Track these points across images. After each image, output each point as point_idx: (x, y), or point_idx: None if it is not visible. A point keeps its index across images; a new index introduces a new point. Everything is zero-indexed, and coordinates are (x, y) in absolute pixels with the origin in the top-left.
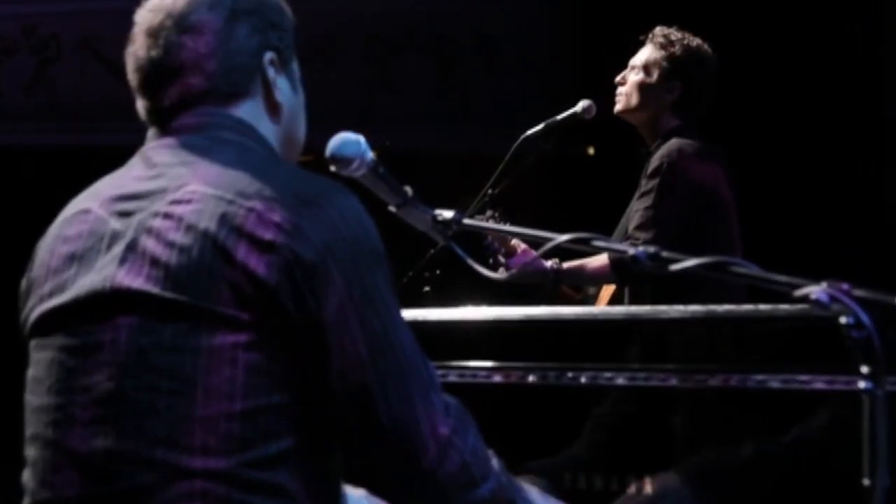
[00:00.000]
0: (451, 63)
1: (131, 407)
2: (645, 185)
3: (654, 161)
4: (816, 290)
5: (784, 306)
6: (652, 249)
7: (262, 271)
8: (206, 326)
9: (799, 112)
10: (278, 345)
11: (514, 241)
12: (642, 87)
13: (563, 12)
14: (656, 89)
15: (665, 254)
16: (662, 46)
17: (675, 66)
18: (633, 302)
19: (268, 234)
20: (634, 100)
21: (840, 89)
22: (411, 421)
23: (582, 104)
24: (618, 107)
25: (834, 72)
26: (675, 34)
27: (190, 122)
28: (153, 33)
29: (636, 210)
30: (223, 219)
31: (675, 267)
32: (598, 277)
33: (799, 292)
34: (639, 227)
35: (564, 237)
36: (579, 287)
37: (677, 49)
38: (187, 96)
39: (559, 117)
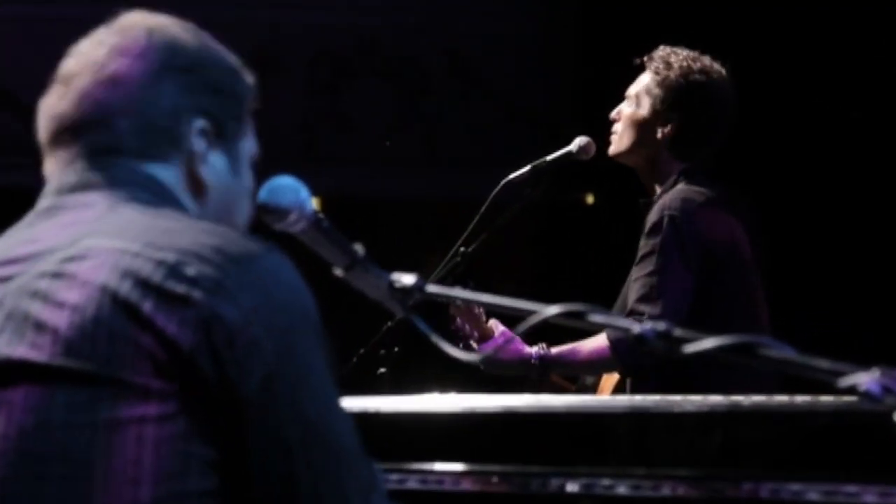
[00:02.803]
0: (415, 89)
1: (13, 502)
2: (644, 245)
3: (653, 215)
4: (866, 379)
5: (826, 398)
6: (662, 326)
7: (174, 330)
8: (107, 397)
9: (841, 153)
10: (195, 419)
11: (492, 322)
12: (633, 123)
13: (556, 29)
14: (649, 124)
15: (678, 332)
16: (657, 70)
17: (669, 94)
18: (636, 391)
19: (181, 288)
20: (626, 139)
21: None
22: None
23: (578, 142)
24: (611, 148)
25: (883, 102)
26: (676, 55)
27: (91, 178)
28: (67, 81)
29: (635, 278)
30: (127, 272)
31: (690, 349)
32: (595, 364)
33: (844, 381)
34: (641, 300)
35: (553, 310)
36: (574, 377)
37: (673, 73)
38: (89, 152)
39: (549, 158)
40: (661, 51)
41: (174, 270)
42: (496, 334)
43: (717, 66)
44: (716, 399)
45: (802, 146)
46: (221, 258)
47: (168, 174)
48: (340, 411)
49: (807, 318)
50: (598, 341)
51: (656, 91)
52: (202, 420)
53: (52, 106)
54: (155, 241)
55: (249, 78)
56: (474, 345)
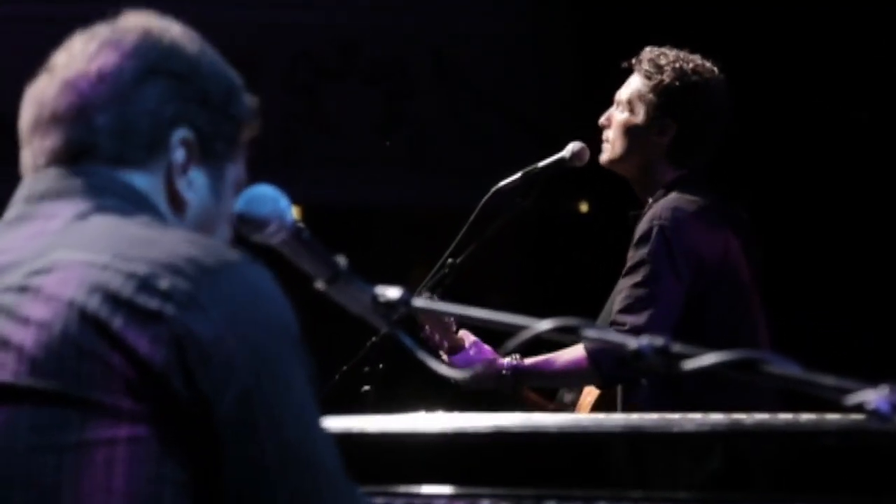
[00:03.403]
0: (401, 93)
1: None
2: (631, 256)
3: (643, 225)
4: (874, 397)
5: (831, 417)
6: (660, 342)
7: (145, 348)
8: (75, 418)
9: (842, 153)
10: (168, 441)
11: (462, 333)
12: (627, 130)
13: (548, 28)
14: (644, 131)
15: (676, 348)
16: (649, 74)
17: (664, 99)
18: (627, 401)
19: (153, 303)
20: (619, 146)
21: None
22: None
23: (571, 147)
24: (603, 156)
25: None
26: (665, 56)
27: (62, 186)
28: (53, 71)
29: (620, 289)
30: (95, 286)
31: (689, 365)
32: (571, 376)
33: (851, 399)
34: (624, 311)
35: (545, 325)
36: (552, 392)
37: (667, 76)
38: (65, 151)
39: (541, 164)
40: (650, 52)
41: (145, 283)
42: (467, 345)
43: (708, 64)
44: (716, 418)
45: (802, 146)
46: (195, 269)
47: (146, 182)
48: (322, 431)
49: (807, 318)
50: (575, 352)
51: (650, 96)
52: (175, 441)
53: (36, 92)
54: (124, 252)
55: (250, 101)
56: (443, 356)
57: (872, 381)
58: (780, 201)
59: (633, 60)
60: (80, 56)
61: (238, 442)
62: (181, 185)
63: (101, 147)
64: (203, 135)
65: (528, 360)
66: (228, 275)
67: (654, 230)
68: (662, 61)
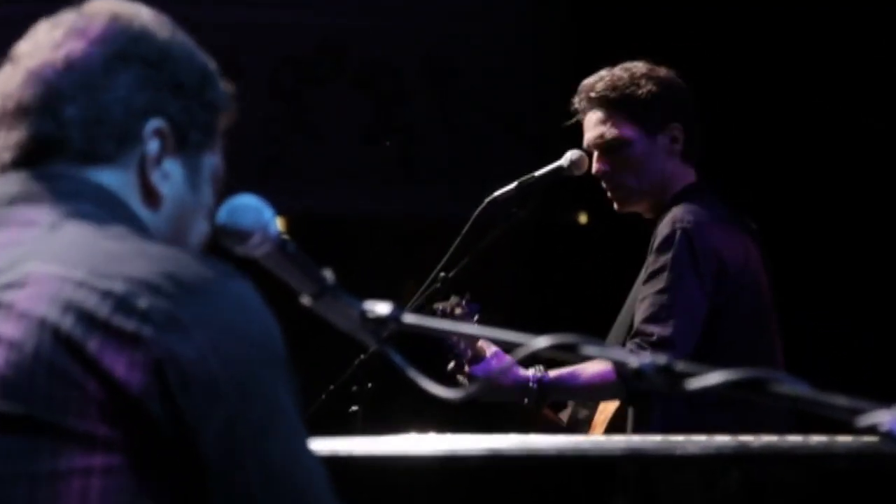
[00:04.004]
0: (391, 98)
1: None
2: (653, 261)
3: (664, 228)
4: (889, 418)
5: (843, 439)
6: (662, 360)
7: (122, 372)
8: (48, 446)
9: (845, 159)
10: (146, 471)
11: (482, 342)
12: (634, 165)
13: (545, 31)
14: (652, 153)
15: (680, 366)
16: (607, 101)
17: (647, 110)
18: (639, 424)
19: (131, 325)
20: (637, 185)
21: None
22: None
23: (569, 156)
24: (619, 206)
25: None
26: (600, 79)
27: (33, 189)
28: (18, 61)
29: (643, 297)
30: (69, 304)
31: (694, 384)
32: (598, 389)
33: (864, 420)
34: (649, 320)
35: (543, 342)
36: (564, 407)
37: (631, 87)
38: (33, 147)
39: (538, 173)
40: (593, 82)
41: (123, 303)
42: (488, 355)
43: (639, 63)
44: (722, 440)
45: (801, 146)
46: (175, 287)
47: (116, 179)
48: (310, 456)
49: (807, 318)
50: (602, 364)
51: (633, 119)
52: (154, 471)
53: (0, 84)
54: (100, 267)
55: (226, 87)
56: (466, 366)
57: (886, 399)
58: (780, 201)
59: (576, 104)
60: (45, 44)
61: (223, 471)
62: (155, 177)
63: (70, 141)
64: (177, 124)
65: (553, 373)
66: (211, 291)
67: (678, 233)
68: (600, 84)
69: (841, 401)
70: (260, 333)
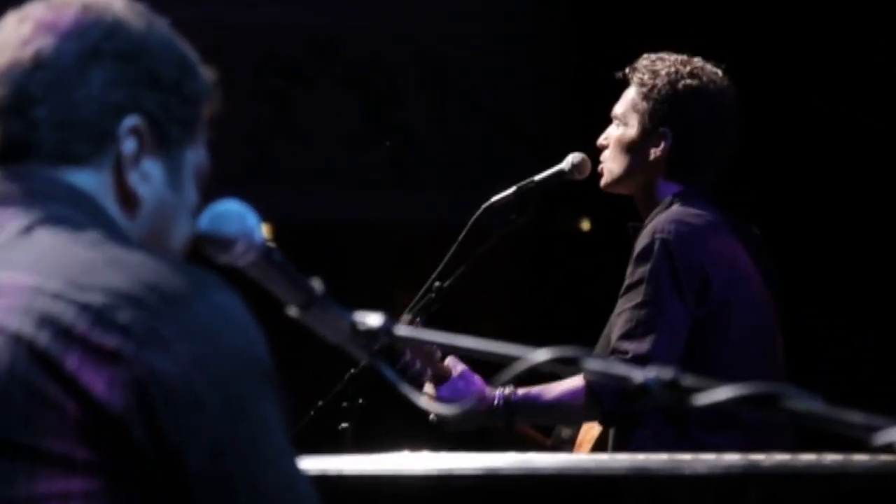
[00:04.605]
0: (383, 98)
1: None
2: (630, 273)
3: (643, 239)
4: None
5: (859, 458)
6: (669, 374)
7: (102, 391)
8: (24, 469)
9: (845, 159)
10: (129, 496)
11: (448, 360)
12: (623, 146)
13: (546, 29)
14: (639, 145)
15: (687, 381)
16: (642, 82)
17: (657, 106)
18: (620, 448)
19: (110, 341)
20: (616, 166)
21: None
22: None
23: (571, 159)
24: (602, 180)
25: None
26: (662, 61)
27: (2, 190)
28: None
29: (619, 311)
30: (45, 317)
31: (701, 400)
32: (568, 410)
33: (881, 438)
34: (625, 336)
35: (542, 355)
36: (548, 427)
37: (660, 81)
38: (4, 148)
39: (538, 177)
40: (645, 59)
41: (102, 317)
42: (454, 374)
43: (710, 67)
44: (731, 458)
45: (801, 146)
46: (156, 299)
47: (91, 181)
48: (299, 475)
49: (807, 318)
50: (573, 383)
51: (643, 105)
52: (137, 496)
53: None
54: (77, 278)
55: (208, 76)
56: (428, 388)
57: (882, 396)
58: (779, 201)
59: (628, 70)
60: (13, 41)
61: (211, 495)
62: (133, 179)
63: (43, 143)
64: (156, 120)
65: (521, 391)
66: (194, 303)
67: (656, 244)
68: (658, 66)
69: (856, 417)
70: (245, 347)
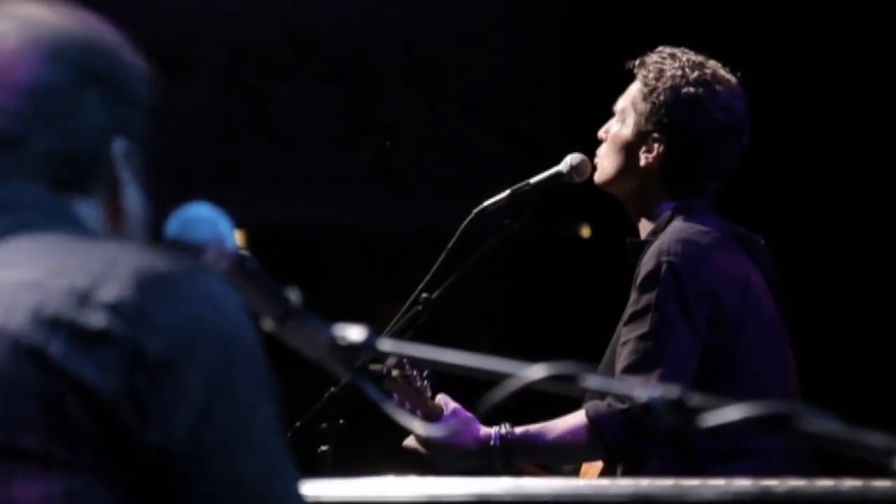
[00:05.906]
0: (367, 96)
1: None
2: (635, 300)
3: (648, 262)
4: None
5: (880, 484)
6: (675, 393)
7: (91, 374)
8: (2, 470)
9: (844, 159)
10: (115, 492)
11: (440, 398)
12: (617, 144)
13: (542, 22)
14: (632, 148)
15: (695, 401)
16: (647, 80)
17: (654, 111)
18: (629, 472)
19: (98, 319)
20: (609, 164)
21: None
22: None
23: (569, 160)
24: (596, 175)
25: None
26: (673, 59)
27: None
28: None
29: (624, 341)
30: (27, 308)
31: (710, 421)
32: (570, 448)
33: None
34: (630, 369)
35: (538, 373)
36: (550, 465)
37: (662, 83)
38: None
39: (534, 180)
40: (657, 54)
41: (87, 297)
42: (446, 412)
43: (723, 73)
44: (741, 484)
45: (801, 146)
46: (143, 277)
47: (88, 210)
48: (286, 472)
49: (807, 318)
50: (575, 419)
51: (642, 105)
52: (123, 491)
53: None
54: (59, 265)
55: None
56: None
57: (882, 396)
58: (779, 201)
59: (637, 62)
60: None
61: (191, 483)
62: (122, 198)
63: (45, 175)
64: (133, 138)
65: (520, 429)
66: (181, 283)
67: (663, 268)
68: (666, 66)
69: (876, 439)
70: (232, 330)
